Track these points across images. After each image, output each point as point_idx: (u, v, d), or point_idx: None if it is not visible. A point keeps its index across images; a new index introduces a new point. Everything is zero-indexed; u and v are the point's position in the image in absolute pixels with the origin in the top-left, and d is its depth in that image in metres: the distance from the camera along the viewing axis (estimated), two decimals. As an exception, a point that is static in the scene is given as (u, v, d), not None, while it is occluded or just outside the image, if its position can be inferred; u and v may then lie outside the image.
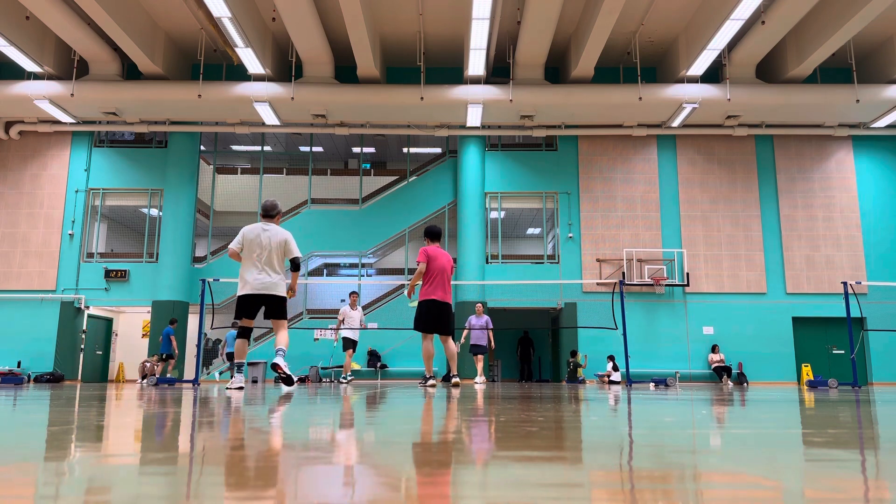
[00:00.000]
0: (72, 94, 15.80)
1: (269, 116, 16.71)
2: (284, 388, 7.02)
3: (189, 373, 19.14)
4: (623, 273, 17.37)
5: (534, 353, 20.51)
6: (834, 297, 17.41)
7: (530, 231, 23.45)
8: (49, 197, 18.07)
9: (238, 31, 13.90)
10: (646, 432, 1.97)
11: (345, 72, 17.69)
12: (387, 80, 18.02)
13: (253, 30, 14.86)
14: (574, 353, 16.98)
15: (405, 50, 17.52)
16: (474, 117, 16.70)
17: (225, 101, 16.18)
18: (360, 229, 18.27)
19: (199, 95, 15.92)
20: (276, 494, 0.96)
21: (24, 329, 17.29)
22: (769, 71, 17.21)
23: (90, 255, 17.93)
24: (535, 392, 6.46)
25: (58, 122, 17.65)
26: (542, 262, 17.94)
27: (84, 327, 17.99)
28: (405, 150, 20.57)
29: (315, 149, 20.84)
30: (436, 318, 7.70)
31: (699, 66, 15.72)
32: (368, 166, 23.55)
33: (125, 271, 17.65)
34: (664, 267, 17.55)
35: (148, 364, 16.02)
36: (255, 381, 15.23)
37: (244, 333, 6.85)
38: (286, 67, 17.30)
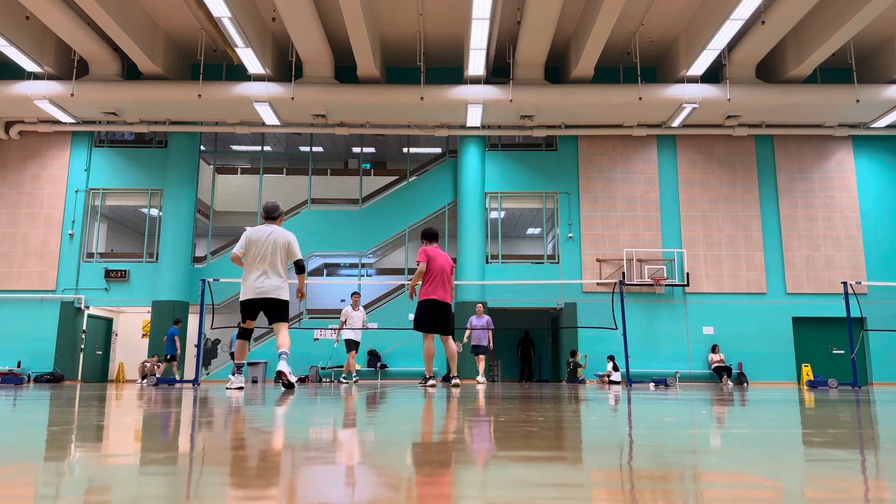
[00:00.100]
0: (72, 94, 15.80)
1: (269, 116, 16.71)
2: (283, 390, 6.99)
3: (189, 373, 19.15)
4: (623, 273, 17.38)
5: (534, 353, 20.51)
6: (834, 297, 17.41)
7: (530, 231, 23.45)
8: (49, 197, 18.07)
9: (238, 31, 13.90)
10: (646, 432, 1.97)
11: (345, 72, 17.70)
12: (387, 80, 18.02)
13: (253, 30, 14.86)
14: (574, 353, 16.98)
15: (405, 50, 17.52)
16: (474, 117, 16.70)
17: (225, 101, 16.18)
18: (360, 229, 18.27)
19: (199, 95, 15.92)
20: (276, 494, 0.96)
21: (24, 329, 17.30)
22: (769, 71, 17.22)
23: (90, 255, 17.93)
24: (535, 392, 6.46)
25: (58, 122, 17.66)
26: (542, 262, 17.94)
27: (84, 327, 18.00)
28: (405, 150, 20.58)
29: (315, 149, 20.84)
30: (436, 317, 7.71)
31: (699, 66, 15.72)
32: (368, 166, 23.56)
33: (125, 271, 17.65)
34: (664, 267, 17.55)
35: (148, 364, 16.02)
36: (255, 381, 15.23)
37: (244, 335, 6.84)
38: (286, 67, 17.30)
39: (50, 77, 16.49)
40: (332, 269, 23.39)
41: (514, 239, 23.54)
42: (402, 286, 17.88)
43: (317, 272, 21.91)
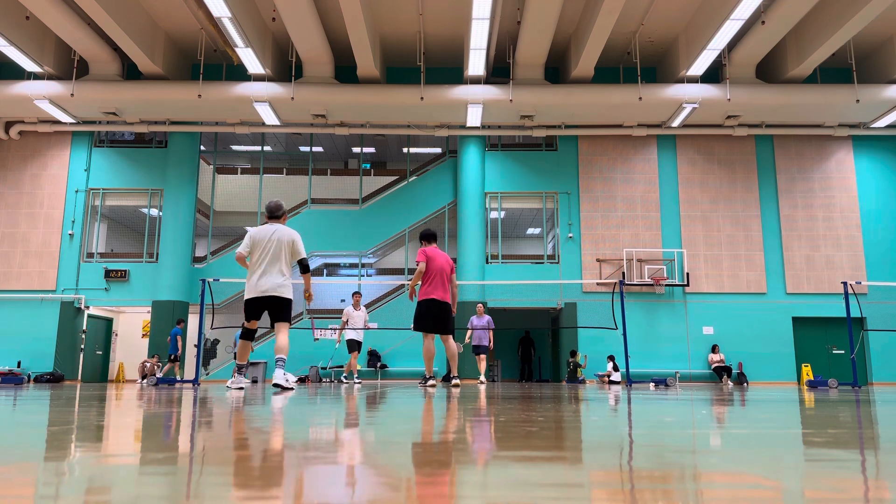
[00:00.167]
0: (72, 94, 15.80)
1: (269, 116, 16.71)
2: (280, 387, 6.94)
3: (189, 373, 19.15)
4: (623, 273, 17.38)
5: (534, 353, 20.51)
6: (834, 297, 17.41)
7: (530, 231, 23.46)
8: (49, 197, 18.07)
9: (238, 31, 13.90)
10: (646, 432, 1.97)
11: (345, 72, 17.70)
12: (387, 80, 18.02)
13: (253, 30, 14.86)
14: (574, 353, 16.98)
15: (405, 50, 17.52)
16: (474, 117, 16.70)
17: (225, 101, 16.18)
18: (360, 229, 18.27)
19: (199, 95, 15.92)
20: (275, 494, 0.96)
21: (24, 329, 17.30)
22: (769, 71, 17.22)
23: (90, 255, 17.93)
24: (535, 392, 6.46)
25: (58, 122, 17.66)
26: (542, 262, 17.94)
27: (84, 327, 18.00)
28: (405, 150, 20.58)
29: (315, 149, 20.85)
30: (435, 317, 7.71)
31: (699, 66, 15.72)
32: (368, 166, 23.56)
33: (125, 271, 17.65)
34: (664, 267, 17.55)
35: (148, 364, 16.02)
36: (254, 381, 15.24)
37: (247, 335, 6.81)
38: (286, 67, 17.30)
39: (50, 77, 16.49)
40: (332, 269, 23.39)
41: (514, 239, 23.54)
42: (402, 286, 17.88)
43: (317, 272, 21.91)
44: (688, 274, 17.47)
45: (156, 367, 16.06)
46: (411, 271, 18.54)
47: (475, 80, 16.44)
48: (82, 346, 17.88)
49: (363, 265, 19.47)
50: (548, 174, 18.25)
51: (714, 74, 17.61)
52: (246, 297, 6.67)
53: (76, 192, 18.11)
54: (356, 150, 22.08)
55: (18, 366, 17.03)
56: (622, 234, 17.85)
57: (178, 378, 13.08)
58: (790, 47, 16.14)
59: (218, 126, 17.88)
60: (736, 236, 17.81)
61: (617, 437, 1.83)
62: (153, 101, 16.22)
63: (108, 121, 17.59)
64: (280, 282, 6.58)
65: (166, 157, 18.15)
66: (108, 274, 17.61)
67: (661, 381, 12.42)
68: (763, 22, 14.16)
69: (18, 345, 17.20)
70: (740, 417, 2.73)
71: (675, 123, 17.12)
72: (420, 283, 7.88)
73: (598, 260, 17.70)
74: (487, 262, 17.78)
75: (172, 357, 15.58)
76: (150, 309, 17.72)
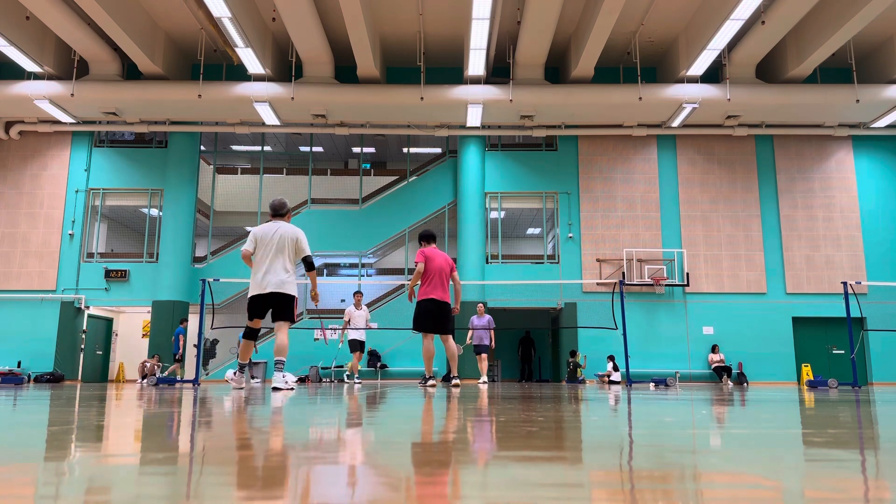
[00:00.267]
0: (72, 94, 15.80)
1: (269, 116, 16.71)
2: (280, 390, 6.93)
3: (189, 372, 19.13)
4: (623, 273, 17.38)
5: (534, 353, 20.51)
6: (834, 297, 17.41)
7: (530, 231, 23.46)
8: (49, 197, 18.07)
9: (238, 31, 13.90)
10: (646, 432, 1.97)
11: (345, 72, 17.69)
12: (387, 80, 18.02)
13: (253, 30, 14.86)
14: (574, 353, 16.98)
15: (405, 50, 17.52)
16: (474, 117, 16.70)
17: (225, 101, 16.18)
18: (360, 229, 18.27)
19: (199, 95, 15.92)
20: (275, 494, 0.96)
21: (24, 329, 17.30)
22: (769, 71, 17.22)
23: (90, 255, 17.93)
24: (535, 392, 6.46)
25: (58, 122, 17.66)
26: (542, 262, 17.94)
27: (84, 327, 18.00)
28: (405, 150, 20.58)
29: (315, 149, 20.85)
30: (434, 317, 7.71)
31: (699, 66, 15.72)
32: (368, 166, 23.56)
33: (125, 271, 17.65)
34: (664, 267, 17.55)
35: (148, 364, 16.02)
36: (253, 378, 15.23)
37: (250, 335, 6.76)
38: (286, 67, 17.30)
39: (50, 77, 16.49)
40: (332, 269, 23.40)
41: (514, 239, 23.54)
42: (402, 286, 17.88)
43: (317, 272, 21.90)
44: (688, 274, 17.47)
45: (156, 367, 16.06)
46: (411, 271, 18.54)
47: (475, 80, 16.44)
48: (82, 346, 17.88)
49: (363, 265, 19.48)
50: (548, 174, 18.25)
51: (714, 74, 17.61)
52: (250, 294, 6.62)
53: (76, 192, 18.11)
54: (356, 150, 22.08)
55: (18, 366, 17.03)
56: (622, 234, 17.85)
57: (179, 378, 13.08)
58: (790, 47, 16.14)
59: (218, 126, 17.88)
60: (736, 236, 17.81)
61: (617, 437, 1.83)
62: (153, 101, 16.22)
63: (108, 121, 17.59)
64: (284, 278, 6.53)
65: (166, 157, 18.15)
66: (108, 274, 17.61)
67: (661, 381, 12.42)
68: (763, 22, 14.16)
69: (18, 345, 17.21)
70: (740, 417, 2.73)
71: (675, 123, 17.12)
72: (419, 283, 7.90)
73: (598, 260, 17.70)
74: (487, 262, 17.78)
75: (176, 356, 15.56)
76: (150, 309, 17.72)
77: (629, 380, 10.80)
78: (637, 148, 18.30)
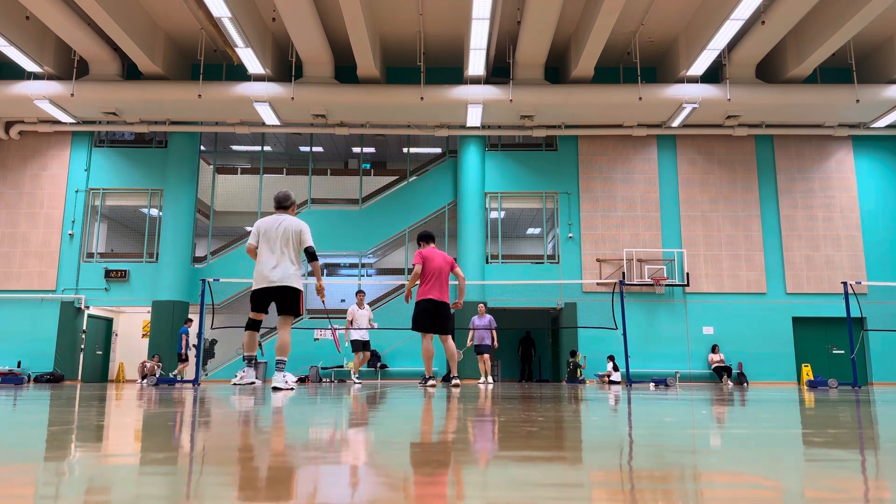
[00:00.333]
0: (72, 94, 15.80)
1: (269, 116, 16.72)
2: (280, 390, 6.90)
3: (188, 372, 19.12)
4: (623, 273, 17.38)
5: (535, 353, 20.51)
6: (834, 297, 17.41)
7: (530, 231, 23.46)
8: (49, 197, 18.07)
9: (238, 31, 13.90)
10: (646, 432, 1.97)
11: (345, 72, 17.69)
12: (387, 80, 18.02)
13: (253, 30, 14.86)
14: (574, 353, 16.98)
15: (405, 50, 17.52)
16: (474, 117, 16.71)
17: (225, 101, 16.18)
18: (360, 229, 18.27)
19: (199, 95, 15.93)
20: (275, 494, 0.96)
21: (24, 329, 17.30)
22: (769, 71, 17.22)
23: (90, 255, 17.93)
24: (535, 392, 6.46)
25: (58, 122, 17.66)
26: (542, 262, 17.95)
27: (84, 327, 18.00)
28: (405, 150, 20.58)
29: (315, 149, 20.85)
30: (433, 317, 7.73)
31: (699, 66, 15.72)
32: (368, 166, 23.57)
33: (125, 271, 17.65)
34: (664, 267, 17.55)
35: (147, 364, 16.02)
36: (253, 383, 15.21)
37: (253, 325, 6.54)
38: (286, 67, 17.30)
39: (50, 77, 16.49)
40: (332, 269, 23.40)
41: (514, 239, 23.54)
42: (402, 286, 17.89)
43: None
44: (688, 274, 17.47)
45: (156, 368, 16.05)
46: (411, 271, 18.54)
47: (475, 80, 16.44)
48: (82, 346, 17.88)
49: (363, 265, 19.48)
50: (548, 174, 18.25)
51: (714, 74, 17.61)
52: (253, 287, 6.43)
53: (76, 192, 18.11)
54: (356, 150, 22.09)
55: (18, 366, 17.03)
56: (622, 234, 17.86)
57: (179, 378, 13.08)
58: (790, 47, 16.14)
59: (218, 126, 17.88)
60: (736, 236, 17.81)
61: (617, 437, 1.83)
62: (153, 101, 16.22)
63: (108, 121, 17.60)
64: (290, 272, 6.36)
65: (166, 157, 18.16)
66: (108, 274, 17.61)
67: (661, 381, 12.42)
68: (763, 22, 14.16)
69: (18, 345, 17.21)
70: (740, 417, 2.73)
71: (675, 123, 17.12)
72: (418, 284, 7.92)
73: (598, 260, 17.70)
74: (487, 262, 17.78)
75: (180, 356, 15.53)
76: (150, 309, 17.72)
77: (629, 380, 10.80)
78: (637, 148, 18.30)
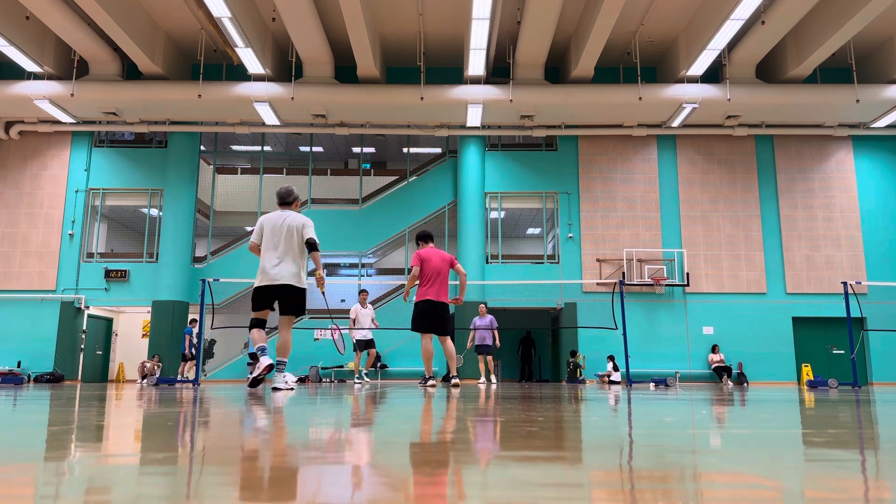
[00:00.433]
0: (72, 94, 15.80)
1: (269, 116, 16.71)
2: (280, 389, 6.87)
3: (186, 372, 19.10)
4: (623, 273, 17.37)
5: (535, 353, 20.50)
6: (834, 297, 17.41)
7: (530, 231, 23.46)
8: (49, 197, 18.07)
9: (238, 31, 13.90)
10: (646, 432, 1.97)
11: (345, 72, 17.69)
12: (387, 80, 18.02)
13: (253, 30, 14.86)
14: (574, 353, 16.98)
15: (405, 50, 17.52)
16: (474, 117, 16.70)
17: (225, 101, 16.18)
18: (360, 229, 18.27)
19: (199, 95, 15.92)
20: (275, 494, 0.96)
21: (24, 329, 17.30)
22: (769, 71, 17.22)
23: (90, 255, 17.93)
24: (535, 392, 6.46)
25: (58, 122, 17.66)
26: (542, 262, 17.94)
27: (84, 327, 17.99)
28: (405, 150, 20.58)
29: (315, 149, 20.85)
30: (431, 318, 7.75)
31: (699, 66, 15.72)
32: (368, 166, 23.57)
33: (125, 271, 17.65)
34: (664, 267, 17.55)
35: (147, 364, 16.02)
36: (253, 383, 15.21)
37: (258, 325, 6.27)
38: (286, 67, 17.30)
39: (50, 77, 16.49)
40: (332, 269, 23.39)
41: (514, 239, 23.54)
42: (402, 286, 17.89)
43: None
44: (688, 274, 17.47)
45: (156, 368, 16.06)
46: (411, 271, 18.54)
47: (475, 80, 16.43)
48: (82, 346, 17.88)
49: (363, 265, 19.47)
50: (548, 174, 18.25)
51: (714, 74, 17.61)
52: (256, 284, 6.21)
53: (76, 192, 18.11)
54: (356, 150, 22.08)
55: (18, 366, 17.03)
56: (622, 234, 17.85)
57: (179, 378, 13.08)
58: (790, 47, 16.14)
59: (218, 126, 17.88)
60: (736, 236, 17.81)
61: (617, 437, 1.83)
62: (153, 101, 16.22)
63: (108, 121, 17.59)
64: (294, 271, 6.17)
65: (166, 157, 18.15)
66: (108, 274, 17.61)
67: (661, 382, 12.41)
68: (763, 22, 14.16)
69: (18, 345, 17.20)
70: (740, 417, 2.73)
71: (675, 123, 17.12)
72: (416, 285, 7.95)
73: (598, 260, 17.70)
74: (487, 262, 17.78)
75: (184, 356, 15.50)
76: (150, 309, 17.72)
77: (629, 380, 10.80)
78: (637, 148, 18.30)
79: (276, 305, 6.30)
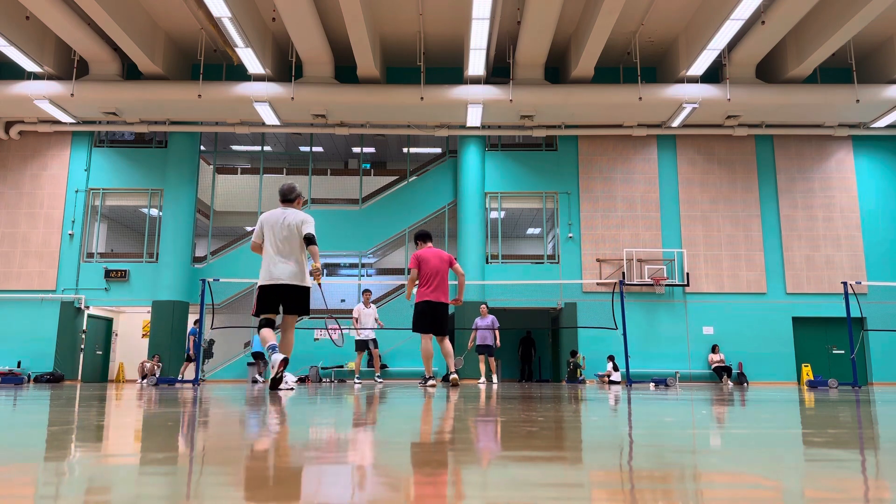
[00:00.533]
0: (72, 94, 15.80)
1: (269, 116, 16.71)
2: (280, 389, 6.87)
3: (189, 372, 19.12)
4: (623, 273, 17.38)
5: (535, 353, 20.51)
6: (834, 297, 17.41)
7: (530, 231, 23.46)
8: (49, 197, 18.07)
9: (238, 31, 13.90)
10: (646, 432, 1.97)
11: (345, 72, 17.69)
12: (387, 80, 18.02)
13: (253, 30, 14.86)
14: (574, 353, 16.98)
15: (405, 50, 17.52)
16: (474, 117, 16.70)
17: (225, 101, 16.18)
18: (360, 229, 18.28)
19: (199, 95, 15.92)
20: (275, 494, 0.96)
21: (24, 329, 17.30)
22: (769, 71, 17.22)
23: (90, 255, 17.93)
24: (535, 392, 6.46)
25: (58, 122, 17.66)
26: (542, 262, 17.95)
27: (84, 327, 18.00)
28: (405, 150, 20.58)
29: (315, 149, 20.85)
30: (431, 318, 7.83)
31: (699, 66, 15.72)
32: (368, 166, 23.57)
33: (125, 271, 17.65)
34: (664, 267, 17.55)
35: (147, 364, 16.01)
36: (254, 382, 15.22)
37: (268, 323, 6.15)
38: (286, 67, 17.30)
39: (50, 77, 16.49)
40: (332, 269, 23.39)
41: (514, 239, 23.54)
42: (402, 286, 17.89)
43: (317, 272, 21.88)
44: (688, 274, 17.47)
45: (156, 368, 16.05)
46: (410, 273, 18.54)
47: (475, 80, 16.43)
48: (82, 346, 17.88)
49: (363, 265, 19.48)
50: (548, 174, 18.25)
51: (714, 74, 17.61)
52: (260, 284, 6.11)
53: (76, 192, 18.11)
54: (356, 150, 22.08)
55: (18, 366, 17.03)
56: (622, 234, 17.85)
57: (180, 378, 13.08)
58: (790, 47, 16.14)
59: (218, 126, 17.88)
60: (736, 236, 17.81)
61: (617, 437, 1.83)
62: (153, 101, 16.22)
63: (108, 121, 17.60)
64: (297, 270, 6.09)
65: (166, 157, 18.15)
66: (108, 274, 17.61)
67: (661, 381, 12.42)
68: (763, 22, 14.16)
69: (18, 345, 17.21)
70: (740, 417, 2.73)
71: (675, 123, 17.12)
72: (416, 286, 8.02)
73: (598, 260, 17.70)
74: (487, 262, 17.78)
75: (188, 356, 15.49)
76: (150, 309, 17.72)
77: (629, 380, 10.80)
78: (637, 148, 18.30)
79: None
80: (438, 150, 20.21)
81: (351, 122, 17.67)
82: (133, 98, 16.13)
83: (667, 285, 17.43)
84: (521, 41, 15.22)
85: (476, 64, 15.48)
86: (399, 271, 20.16)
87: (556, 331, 19.49)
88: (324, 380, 16.84)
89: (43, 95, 15.82)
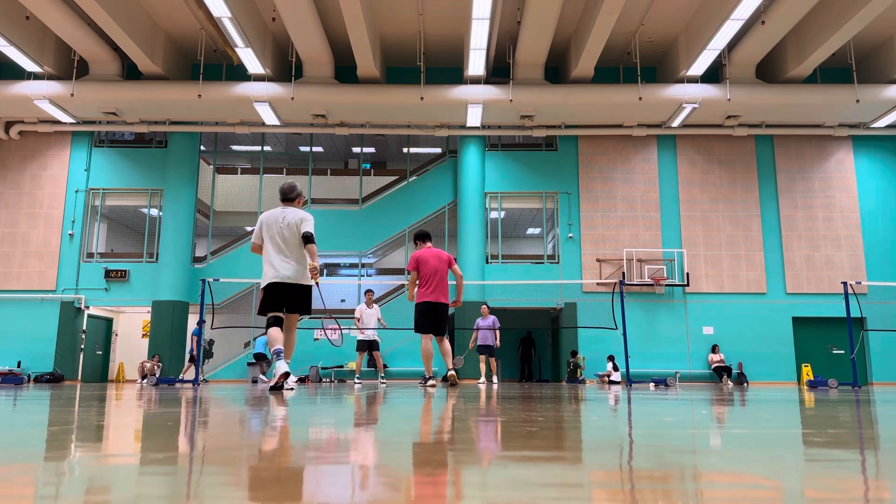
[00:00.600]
0: (72, 94, 15.80)
1: (269, 116, 16.71)
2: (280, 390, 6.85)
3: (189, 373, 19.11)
4: (623, 273, 17.38)
5: (535, 353, 20.51)
6: (834, 297, 17.41)
7: (530, 231, 23.46)
8: (49, 197, 18.07)
9: (238, 31, 13.90)
10: (646, 432, 1.97)
11: (345, 72, 17.69)
12: (387, 80, 18.02)
13: (253, 30, 14.86)
14: (574, 353, 16.98)
15: (405, 50, 17.52)
16: (474, 117, 16.71)
17: (225, 101, 16.18)
18: (360, 229, 18.28)
19: (199, 95, 15.92)
20: (275, 494, 0.96)
21: (24, 329, 17.30)
22: (769, 71, 17.22)
23: (90, 255, 17.93)
24: (535, 392, 6.46)
25: (58, 122, 17.66)
26: (542, 262, 17.94)
27: (84, 327, 17.99)
28: (405, 150, 20.59)
29: (315, 149, 20.85)
30: (431, 319, 7.87)
31: (699, 66, 15.72)
32: (368, 166, 23.57)
33: (125, 271, 17.65)
34: (664, 267, 17.55)
35: (147, 364, 16.01)
36: (254, 382, 15.22)
37: (276, 323, 6.05)
38: (286, 67, 17.30)
39: (50, 77, 16.49)
40: (332, 269, 23.40)
41: (514, 239, 23.54)
42: (403, 286, 17.90)
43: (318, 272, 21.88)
44: (688, 274, 17.47)
45: (156, 368, 16.05)
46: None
47: (475, 80, 16.44)
48: (82, 346, 17.88)
49: (363, 265, 19.48)
50: (548, 174, 18.25)
51: (714, 74, 17.61)
52: (265, 282, 6.05)
53: (76, 192, 18.11)
54: (356, 150, 22.08)
55: (18, 366, 17.03)
56: (622, 234, 17.85)
57: (181, 378, 13.07)
58: (790, 47, 16.14)
59: (218, 126, 17.88)
60: (736, 236, 17.81)
61: (617, 437, 1.83)
62: (153, 101, 16.22)
63: (108, 121, 17.60)
64: (299, 269, 6.08)
65: (166, 157, 18.15)
66: (108, 274, 17.61)
67: (661, 382, 12.41)
68: (763, 22, 14.16)
69: (18, 345, 17.21)
70: (740, 417, 2.73)
71: (675, 123, 17.12)
72: (416, 287, 8.06)
73: (598, 260, 17.70)
74: (487, 262, 17.78)
75: (192, 357, 15.47)
76: (150, 309, 17.72)
77: (629, 380, 10.80)
78: (637, 148, 18.30)
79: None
80: (438, 150, 20.21)
81: (351, 122, 17.67)
82: (133, 98, 16.13)
83: (667, 285, 17.43)
84: (521, 41, 15.22)
85: (476, 64, 15.48)
86: (399, 271, 20.16)
87: (556, 331, 19.49)
88: (324, 380, 16.84)
89: (43, 95, 15.82)
